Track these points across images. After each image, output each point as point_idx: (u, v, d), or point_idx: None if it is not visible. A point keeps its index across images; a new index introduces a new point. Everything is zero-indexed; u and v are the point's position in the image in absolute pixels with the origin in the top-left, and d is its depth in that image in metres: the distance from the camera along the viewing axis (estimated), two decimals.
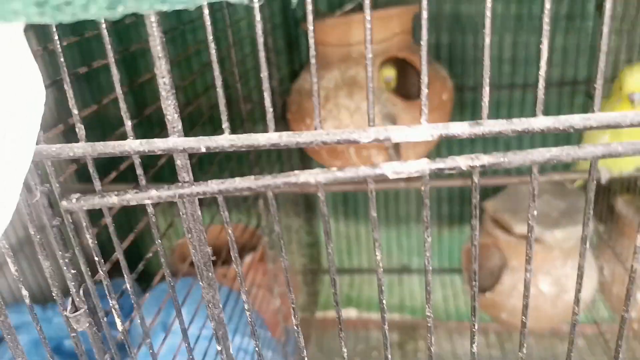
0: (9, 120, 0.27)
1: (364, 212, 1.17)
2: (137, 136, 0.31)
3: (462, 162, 0.28)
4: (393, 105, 0.79)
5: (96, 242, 0.34)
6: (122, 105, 0.30)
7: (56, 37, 0.29)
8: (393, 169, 0.29)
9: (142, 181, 0.31)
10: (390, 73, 0.82)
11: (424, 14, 0.26)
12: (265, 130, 0.29)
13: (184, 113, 0.63)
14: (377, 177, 0.29)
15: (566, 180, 0.91)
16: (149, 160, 0.48)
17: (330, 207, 1.18)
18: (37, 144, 0.30)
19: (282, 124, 0.92)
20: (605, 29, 0.26)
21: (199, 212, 0.33)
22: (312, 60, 0.28)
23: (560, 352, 1.12)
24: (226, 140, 0.29)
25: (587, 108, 1.06)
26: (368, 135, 0.29)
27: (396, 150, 0.82)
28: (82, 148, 0.30)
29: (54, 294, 0.35)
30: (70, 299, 0.35)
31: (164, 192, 0.30)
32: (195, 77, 0.65)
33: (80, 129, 0.31)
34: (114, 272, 0.40)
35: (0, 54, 0.27)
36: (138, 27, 0.87)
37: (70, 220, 0.33)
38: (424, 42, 0.27)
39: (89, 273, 0.35)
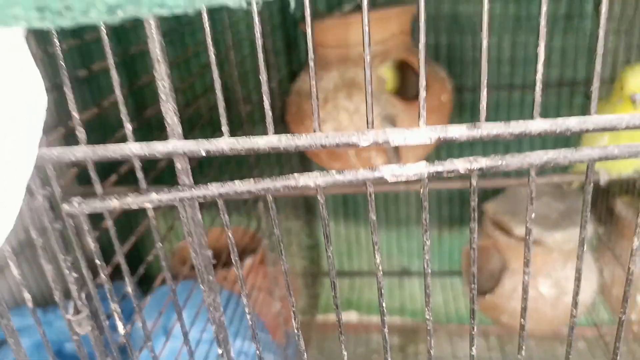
0: (11, 124, 0.27)
1: (364, 215, 1.17)
2: (137, 139, 0.31)
3: (460, 165, 0.29)
4: (392, 106, 0.79)
5: (97, 245, 0.34)
6: (122, 109, 0.31)
7: (56, 41, 0.29)
8: (392, 172, 0.29)
9: (143, 184, 0.32)
10: (385, 75, 0.82)
11: (422, 20, 0.26)
12: (265, 132, 0.30)
13: (184, 115, 0.63)
14: (376, 180, 0.29)
15: (565, 182, 0.91)
16: (149, 162, 0.48)
17: (330, 210, 1.18)
18: (39, 147, 0.30)
19: (281, 125, 0.92)
20: (601, 33, 0.26)
21: (199, 216, 0.33)
22: (311, 64, 0.28)
23: (560, 355, 1.12)
24: (226, 143, 0.30)
25: (586, 109, 1.06)
26: (367, 138, 0.29)
27: (396, 152, 0.82)
28: (83, 151, 0.30)
29: (56, 297, 0.35)
30: (72, 302, 0.36)
31: (164, 196, 0.31)
32: (194, 79, 0.65)
33: (81, 133, 0.31)
34: (115, 275, 0.40)
35: (1, 58, 0.27)
36: (137, 29, 0.87)
37: (72, 224, 0.33)
38: (422, 47, 0.27)
39: (91, 276, 0.35)
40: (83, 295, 0.35)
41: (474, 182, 0.30)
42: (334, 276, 0.32)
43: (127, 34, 0.83)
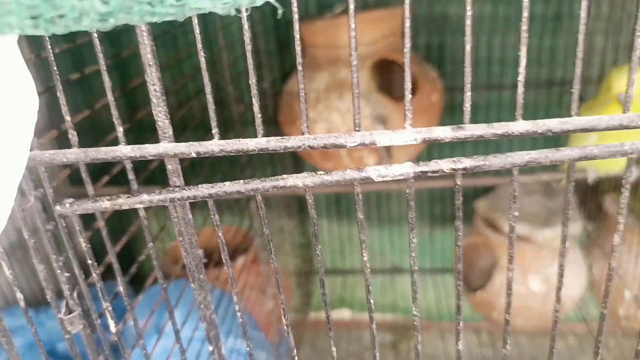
0: (3, 127, 0.28)
1: (356, 213, 1.18)
2: (129, 139, 0.32)
3: (445, 165, 0.29)
4: (383, 106, 0.80)
5: (89, 245, 0.34)
6: (114, 112, 0.31)
7: (49, 46, 0.29)
8: (378, 173, 0.30)
9: (134, 186, 0.32)
10: None
11: (407, 25, 0.27)
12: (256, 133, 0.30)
13: (176, 116, 0.64)
14: (363, 180, 0.30)
15: (554, 180, 0.92)
16: (141, 162, 0.48)
17: (323, 208, 1.19)
18: (30, 150, 0.31)
19: (274, 125, 0.93)
20: (581, 37, 0.27)
21: (190, 216, 0.34)
22: (299, 68, 0.29)
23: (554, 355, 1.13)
24: (216, 145, 0.30)
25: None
26: (354, 139, 0.29)
27: (387, 152, 0.83)
28: (75, 154, 0.31)
29: (48, 297, 0.35)
30: (64, 301, 0.36)
31: (155, 197, 0.31)
32: (187, 80, 0.65)
33: (73, 135, 0.32)
34: (107, 274, 0.41)
35: None
36: (129, 32, 0.88)
37: (64, 224, 0.34)
38: (406, 50, 0.28)
39: (83, 276, 0.36)
40: (75, 295, 0.35)
41: (458, 181, 0.30)
42: (322, 274, 0.32)
43: (119, 36, 0.83)
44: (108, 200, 0.31)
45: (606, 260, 0.95)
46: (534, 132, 0.29)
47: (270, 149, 0.30)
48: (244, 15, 0.26)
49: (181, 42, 0.89)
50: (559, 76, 1.02)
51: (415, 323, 0.35)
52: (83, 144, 0.32)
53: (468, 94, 0.28)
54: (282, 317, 0.34)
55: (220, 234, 0.32)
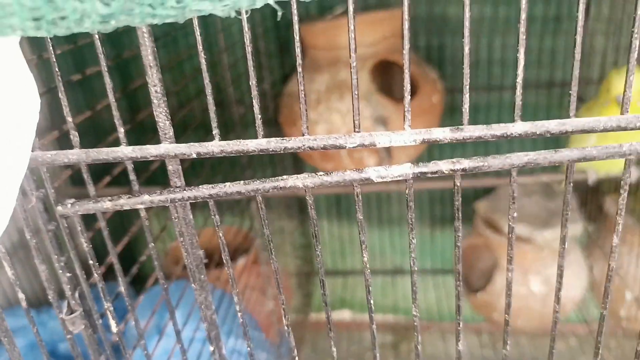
0: (5, 127, 0.28)
1: (356, 215, 1.18)
2: (131, 140, 0.32)
3: (444, 166, 0.30)
4: (384, 107, 0.80)
5: (91, 245, 0.34)
6: (115, 113, 0.31)
7: (51, 48, 0.30)
8: (378, 174, 0.30)
9: (135, 186, 0.32)
10: None
11: (406, 27, 0.27)
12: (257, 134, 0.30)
13: (177, 117, 0.64)
14: (363, 180, 0.30)
15: (554, 181, 0.92)
16: (142, 162, 0.49)
17: (323, 210, 1.19)
18: (32, 150, 0.31)
19: (275, 127, 0.93)
20: (578, 39, 0.27)
21: (191, 216, 0.34)
22: (299, 69, 0.29)
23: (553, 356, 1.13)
24: (216, 146, 0.30)
25: (576, 110, 1.07)
26: (353, 140, 0.30)
27: (388, 153, 0.83)
28: (77, 155, 0.31)
29: (49, 297, 0.35)
30: (65, 301, 0.36)
31: (156, 197, 0.31)
32: (187, 81, 0.66)
33: (75, 136, 0.32)
34: (108, 275, 0.41)
35: None
36: (130, 33, 0.88)
37: (65, 225, 0.34)
38: (406, 51, 0.28)
39: (84, 276, 0.36)
40: (76, 295, 0.35)
41: (457, 182, 0.30)
42: (322, 274, 0.33)
43: (121, 37, 0.83)
44: (109, 200, 0.32)
45: (607, 261, 0.95)
46: (533, 133, 0.29)
47: (271, 149, 0.30)
48: (244, 17, 0.26)
49: (182, 43, 0.89)
50: (559, 77, 1.02)
51: (415, 323, 0.35)
52: (84, 145, 0.32)
53: (466, 96, 0.29)
54: (283, 318, 0.34)
55: (220, 235, 0.32)
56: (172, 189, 0.32)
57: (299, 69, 0.29)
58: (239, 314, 0.34)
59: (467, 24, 0.27)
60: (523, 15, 0.27)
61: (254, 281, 0.89)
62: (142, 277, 0.58)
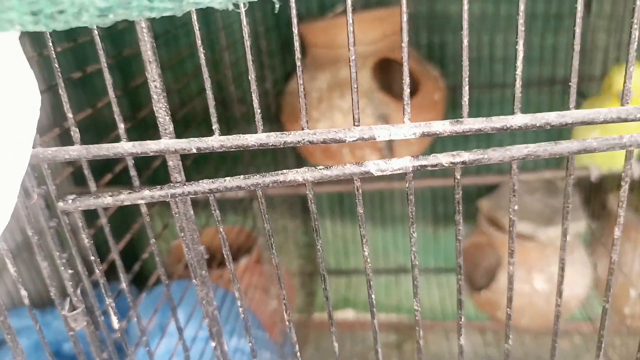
0: (5, 124, 0.28)
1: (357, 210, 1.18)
2: (132, 138, 0.32)
3: (444, 159, 0.29)
4: (385, 105, 0.80)
5: (92, 241, 0.35)
6: (115, 108, 0.31)
7: (50, 44, 0.30)
8: (377, 167, 0.30)
9: (136, 182, 0.32)
10: None
11: (404, 18, 0.27)
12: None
13: (179, 115, 0.64)
14: (363, 174, 0.30)
15: (557, 178, 0.92)
16: (143, 163, 0.49)
17: (326, 209, 1.19)
18: (33, 147, 0.31)
19: (276, 125, 0.93)
20: (577, 30, 0.27)
21: (192, 212, 0.34)
22: (298, 63, 0.29)
23: (557, 351, 1.13)
24: (216, 141, 0.30)
25: (578, 107, 1.07)
26: (353, 134, 0.30)
27: (390, 150, 0.83)
28: (77, 151, 0.31)
29: (51, 294, 0.35)
30: (68, 298, 0.36)
31: (156, 192, 0.31)
32: (189, 80, 0.66)
33: (75, 132, 0.32)
34: (111, 275, 0.41)
35: None
36: (132, 31, 0.89)
37: (67, 222, 0.34)
38: (404, 44, 0.28)
39: (86, 273, 0.36)
40: (78, 292, 0.35)
41: (457, 175, 0.30)
42: (324, 269, 0.33)
43: (122, 36, 0.83)
44: (110, 196, 0.32)
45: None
46: (533, 125, 0.29)
47: (270, 144, 0.30)
48: (242, 10, 0.27)
49: (183, 42, 0.89)
50: (561, 74, 1.02)
51: (417, 318, 0.35)
52: (86, 142, 0.32)
53: (466, 88, 0.29)
54: (284, 313, 0.34)
55: (221, 230, 0.33)
56: (172, 184, 0.32)
57: (298, 63, 0.29)
58: (241, 310, 0.34)
59: (465, 16, 0.27)
60: (522, 7, 0.27)
61: (257, 280, 0.89)
62: (145, 276, 0.58)
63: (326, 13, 0.92)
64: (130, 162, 0.32)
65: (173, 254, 1.00)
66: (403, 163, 0.30)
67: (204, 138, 0.30)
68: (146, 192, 0.31)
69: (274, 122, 0.94)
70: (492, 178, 0.90)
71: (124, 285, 0.36)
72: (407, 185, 0.30)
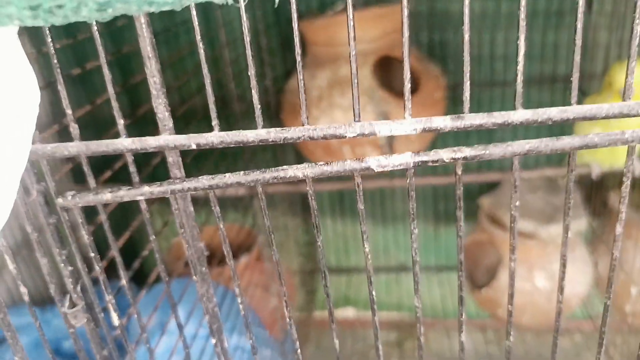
0: (4, 120, 0.28)
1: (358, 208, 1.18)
2: (132, 136, 0.32)
3: (445, 155, 0.29)
4: (386, 103, 0.80)
5: (92, 238, 0.34)
6: (114, 104, 0.31)
7: (49, 39, 0.30)
8: (378, 163, 0.30)
9: (135, 178, 0.32)
10: None
11: (405, 12, 0.27)
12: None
13: (179, 112, 0.64)
14: (363, 170, 0.30)
15: (558, 176, 0.92)
16: (143, 161, 0.49)
17: (327, 207, 1.19)
18: (32, 143, 0.31)
19: (277, 123, 0.93)
20: (579, 25, 0.27)
21: (191, 208, 0.34)
22: (298, 58, 0.29)
23: (558, 349, 1.12)
24: (216, 137, 0.30)
25: (579, 104, 1.06)
26: (354, 129, 0.29)
27: (390, 149, 0.83)
28: (76, 147, 0.31)
29: (51, 291, 0.35)
30: (67, 295, 0.36)
31: (156, 189, 0.31)
32: (189, 77, 0.66)
33: (74, 129, 0.32)
34: (111, 272, 0.41)
35: None
36: (132, 29, 0.89)
37: (67, 218, 0.34)
38: (405, 39, 0.28)
39: (86, 270, 0.36)
40: (78, 288, 0.35)
41: (458, 171, 0.30)
42: (324, 265, 0.32)
43: (122, 33, 0.83)
44: (109, 192, 0.31)
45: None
46: (534, 120, 0.29)
47: (270, 140, 0.30)
48: (242, 4, 0.26)
49: (183, 39, 0.89)
50: (562, 72, 1.02)
51: (417, 315, 0.35)
52: (86, 140, 0.32)
53: (467, 83, 0.28)
54: (285, 310, 0.34)
55: (221, 226, 0.32)
56: (172, 180, 0.32)
57: (298, 58, 0.29)
58: (241, 307, 0.34)
59: (466, 11, 0.27)
60: (523, 2, 0.27)
61: (257, 278, 0.89)
62: (145, 274, 0.58)
63: (326, 11, 0.92)
64: (130, 159, 0.32)
65: (173, 251, 1.00)
66: (404, 159, 0.29)
67: (203, 134, 0.30)
68: (145, 189, 0.31)
69: (274, 119, 0.94)
70: (493, 176, 0.90)
71: (124, 282, 0.36)
72: (408, 181, 0.30)
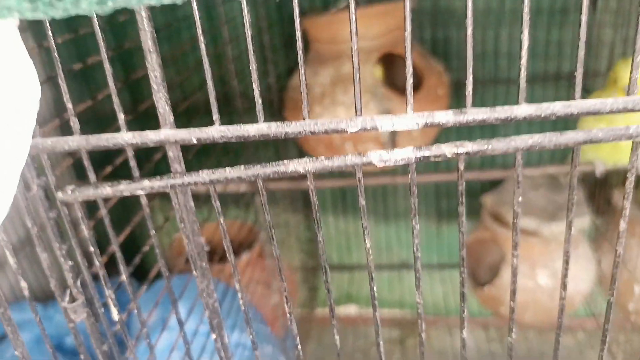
0: (4, 114, 0.28)
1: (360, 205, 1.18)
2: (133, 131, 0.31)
3: (447, 149, 0.29)
4: (389, 100, 0.80)
5: (92, 233, 0.34)
6: (115, 98, 0.31)
7: (49, 32, 0.29)
8: (380, 157, 0.30)
9: (136, 172, 0.32)
10: (376, 74, 0.82)
11: (407, 5, 0.26)
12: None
13: (181, 108, 0.64)
14: (365, 164, 0.30)
15: (561, 174, 0.91)
16: (144, 157, 0.48)
17: (329, 204, 1.19)
18: (32, 137, 0.31)
19: (279, 120, 0.92)
20: (584, 18, 0.26)
21: (192, 203, 0.34)
22: (300, 53, 0.29)
23: (561, 346, 1.12)
24: (217, 131, 0.30)
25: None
26: (355, 124, 0.29)
27: (393, 146, 0.82)
28: (77, 141, 0.31)
29: (51, 286, 0.35)
30: (67, 290, 0.36)
31: (156, 183, 0.31)
32: (191, 73, 0.65)
33: (75, 123, 0.32)
34: (112, 268, 0.41)
35: None
36: (133, 24, 0.89)
37: (66, 212, 0.34)
38: (407, 32, 0.27)
39: (86, 264, 0.36)
40: (78, 283, 0.35)
41: (461, 166, 0.30)
42: (325, 260, 0.32)
43: (125, 29, 0.83)
44: (109, 186, 0.31)
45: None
46: (538, 115, 0.28)
47: (271, 134, 0.30)
48: None
49: (185, 35, 0.89)
50: (567, 70, 1.01)
51: (419, 311, 0.34)
52: (87, 134, 0.32)
53: (470, 77, 0.28)
54: (285, 305, 0.34)
55: (221, 221, 0.32)
56: (172, 174, 0.32)
57: (300, 53, 0.29)
58: (241, 302, 0.33)
59: (469, 4, 0.26)
60: None
61: (259, 275, 0.88)
62: (146, 270, 0.58)
63: (329, 8, 0.91)
64: (130, 153, 0.32)
65: (174, 247, 1.00)
66: (406, 153, 0.29)
67: (204, 128, 0.30)
68: (146, 183, 0.31)
69: (277, 117, 0.94)
70: (496, 173, 0.90)
71: (124, 277, 0.36)
72: (409, 176, 0.30)
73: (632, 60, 0.28)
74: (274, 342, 0.84)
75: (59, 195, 0.32)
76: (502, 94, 1.04)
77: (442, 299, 1.20)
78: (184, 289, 0.59)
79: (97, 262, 0.34)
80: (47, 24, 0.29)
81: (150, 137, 0.31)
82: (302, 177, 0.31)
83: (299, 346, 0.34)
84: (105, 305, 0.38)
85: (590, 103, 0.28)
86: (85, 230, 0.33)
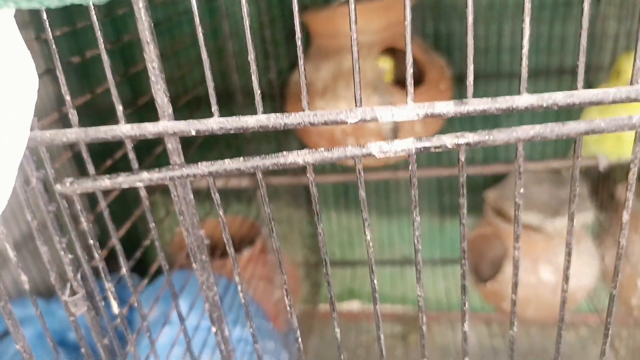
0: (1, 105, 0.28)
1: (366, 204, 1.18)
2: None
3: (448, 140, 0.29)
4: (391, 95, 0.79)
5: (91, 226, 0.34)
6: (113, 91, 0.31)
7: (47, 24, 0.29)
8: (380, 148, 0.29)
9: (135, 165, 0.32)
10: (384, 65, 0.82)
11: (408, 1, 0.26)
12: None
13: (182, 102, 0.64)
14: (365, 156, 0.30)
15: (564, 168, 0.91)
16: (145, 150, 0.48)
17: (331, 200, 1.18)
18: (31, 130, 0.31)
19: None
20: (586, 6, 0.26)
21: (191, 196, 0.33)
22: (298, 42, 0.28)
23: (563, 341, 1.12)
24: (215, 123, 0.30)
25: None
26: (355, 115, 0.29)
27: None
28: (75, 133, 0.31)
29: (51, 279, 0.35)
30: (68, 283, 0.36)
31: (155, 175, 0.31)
32: (191, 67, 0.65)
33: (73, 115, 0.32)
34: (112, 264, 0.41)
35: None
36: (134, 18, 0.89)
37: (66, 205, 0.34)
38: (407, 22, 0.27)
39: (86, 257, 0.36)
40: (79, 277, 0.35)
41: (462, 157, 0.30)
42: (325, 253, 0.32)
43: (125, 23, 0.83)
44: (108, 179, 0.31)
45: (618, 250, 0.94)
46: (540, 105, 0.28)
47: (270, 126, 0.30)
48: None
49: (186, 30, 0.89)
50: (570, 64, 1.00)
51: (420, 304, 0.34)
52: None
53: (471, 67, 0.28)
54: (285, 298, 0.34)
55: (221, 213, 0.32)
56: (171, 166, 0.31)
57: (299, 43, 0.28)
58: (241, 294, 0.33)
59: None
60: None
61: (261, 270, 0.88)
62: (146, 265, 0.58)
63: (331, 3, 0.91)
64: (129, 145, 0.32)
65: (175, 242, 1.00)
66: (406, 144, 0.29)
67: (203, 120, 0.30)
68: (144, 175, 0.31)
69: (278, 112, 0.94)
70: (499, 168, 0.90)
71: (124, 270, 0.36)
72: (410, 167, 0.30)
73: (635, 50, 0.28)
74: (276, 338, 0.84)
75: (58, 187, 0.32)
76: (504, 88, 1.03)
77: (445, 294, 1.20)
78: (185, 283, 0.59)
79: (96, 255, 0.34)
80: (45, 16, 0.29)
81: (148, 129, 0.30)
82: (305, 171, 0.31)
83: (299, 339, 0.34)
84: (106, 299, 0.38)
85: (593, 93, 0.28)
86: (85, 223, 0.33)
